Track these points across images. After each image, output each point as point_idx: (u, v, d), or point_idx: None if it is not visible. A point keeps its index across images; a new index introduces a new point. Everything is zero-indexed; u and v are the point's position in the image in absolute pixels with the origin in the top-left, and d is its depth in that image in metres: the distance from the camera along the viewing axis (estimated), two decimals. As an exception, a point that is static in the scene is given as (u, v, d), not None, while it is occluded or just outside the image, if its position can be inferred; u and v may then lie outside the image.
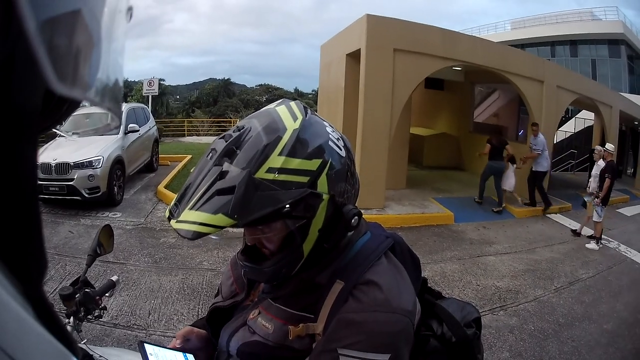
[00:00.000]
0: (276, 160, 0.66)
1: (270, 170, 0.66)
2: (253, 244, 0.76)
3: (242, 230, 0.78)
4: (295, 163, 0.67)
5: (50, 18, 0.22)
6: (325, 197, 0.70)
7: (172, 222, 0.67)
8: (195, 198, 0.66)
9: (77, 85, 0.25)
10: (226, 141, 0.69)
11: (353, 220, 0.74)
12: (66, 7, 0.23)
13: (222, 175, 0.66)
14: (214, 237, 0.71)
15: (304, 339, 0.73)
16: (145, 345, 0.87)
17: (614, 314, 4.16)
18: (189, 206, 0.66)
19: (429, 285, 0.97)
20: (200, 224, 0.64)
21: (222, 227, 0.64)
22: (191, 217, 0.65)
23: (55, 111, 0.29)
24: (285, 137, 0.68)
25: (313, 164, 0.69)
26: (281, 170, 0.66)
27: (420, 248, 5.46)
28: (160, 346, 0.89)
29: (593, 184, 6.57)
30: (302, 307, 0.75)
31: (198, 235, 0.64)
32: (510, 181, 7.63)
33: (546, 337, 3.59)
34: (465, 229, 6.53)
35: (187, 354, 0.89)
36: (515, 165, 7.62)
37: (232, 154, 0.67)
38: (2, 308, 0.24)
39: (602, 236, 6.49)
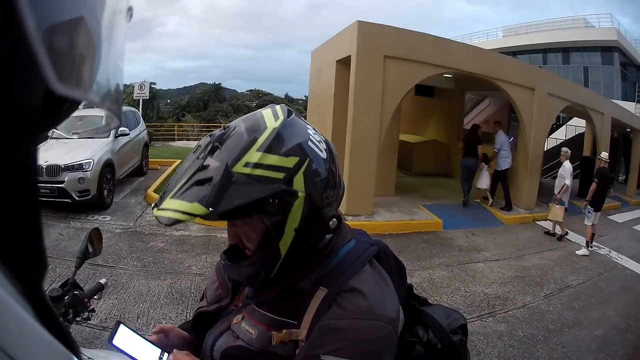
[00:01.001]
0: (254, 155, 0.68)
1: (247, 164, 0.68)
2: (235, 243, 0.78)
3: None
4: (272, 159, 0.69)
5: (52, 25, 0.22)
6: (301, 194, 0.71)
7: (155, 210, 0.69)
8: (177, 188, 0.69)
9: (77, 85, 0.25)
10: (211, 138, 0.72)
11: (331, 223, 0.75)
12: (69, 14, 0.24)
13: (203, 168, 0.68)
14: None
15: (287, 345, 0.74)
16: (121, 326, 0.87)
17: (605, 320, 4.17)
18: (170, 195, 0.69)
19: (416, 292, 0.97)
20: (177, 211, 0.66)
21: (196, 216, 0.66)
22: (171, 205, 0.67)
23: (55, 111, 0.29)
24: (265, 135, 0.70)
25: (290, 162, 0.70)
26: (257, 165, 0.68)
27: (408, 255, 5.46)
28: (138, 333, 0.88)
29: (557, 183, 6.96)
30: (286, 313, 0.75)
31: (174, 222, 0.66)
32: (483, 180, 8.05)
33: (536, 343, 3.59)
34: (454, 235, 6.53)
35: (162, 351, 0.87)
36: (487, 165, 8.01)
37: (214, 150, 0.70)
38: (2, 308, 0.24)
39: (593, 242, 6.56)
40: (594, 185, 6.57)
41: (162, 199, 0.70)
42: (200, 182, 0.67)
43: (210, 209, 0.65)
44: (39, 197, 0.30)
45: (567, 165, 6.92)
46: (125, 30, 0.32)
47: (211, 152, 0.70)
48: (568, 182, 6.79)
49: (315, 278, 0.76)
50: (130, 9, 0.33)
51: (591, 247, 6.51)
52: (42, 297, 0.30)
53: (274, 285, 0.79)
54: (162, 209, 0.68)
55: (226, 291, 0.90)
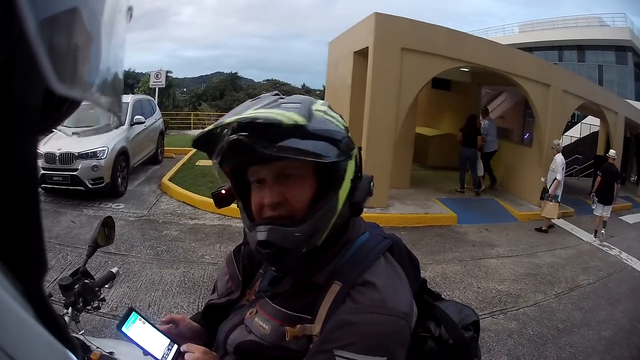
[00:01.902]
0: (321, 106, 0.74)
1: (318, 110, 0.72)
2: (277, 202, 0.72)
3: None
4: (334, 114, 0.75)
5: (49, 17, 0.22)
6: (356, 147, 0.76)
7: (232, 118, 0.67)
8: (258, 105, 0.69)
9: (77, 85, 0.25)
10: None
11: (371, 184, 0.80)
12: (64, 5, 0.23)
13: (282, 99, 0.73)
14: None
15: (300, 340, 0.73)
16: (133, 313, 0.86)
17: (613, 321, 4.16)
18: (252, 109, 0.68)
19: (429, 286, 0.97)
20: (274, 114, 0.65)
21: (295, 122, 0.65)
22: (258, 111, 0.67)
23: (55, 111, 0.29)
24: (320, 100, 0.78)
25: (343, 122, 0.77)
26: (326, 113, 0.73)
27: (422, 248, 5.46)
28: (149, 321, 0.86)
29: (548, 177, 6.99)
30: (300, 307, 0.74)
31: (272, 119, 0.64)
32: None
33: (544, 343, 3.60)
34: (467, 230, 6.53)
35: (171, 341, 0.85)
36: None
37: (279, 96, 0.74)
38: (2, 308, 0.24)
39: (604, 242, 6.62)
40: (599, 179, 7.10)
41: (234, 114, 0.68)
42: (286, 104, 0.69)
43: (308, 121, 0.66)
44: (39, 197, 0.30)
45: (558, 159, 6.89)
46: (125, 30, 0.32)
47: (278, 96, 0.75)
48: (559, 176, 6.79)
49: (330, 271, 0.75)
50: (130, 9, 0.32)
51: (600, 236, 6.89)
52: (42, 297, 0.30)
53: (288, 279, 0.79)
54: (247, 115, 0.66)
55: (237, 284, 0.89)
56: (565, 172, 11.96)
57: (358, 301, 0.70)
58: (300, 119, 0.65)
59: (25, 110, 0.25)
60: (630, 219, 9.59)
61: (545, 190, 6.97)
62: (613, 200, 7.13)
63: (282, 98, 0.73)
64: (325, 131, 0.68)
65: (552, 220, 7.08)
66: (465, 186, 8.34)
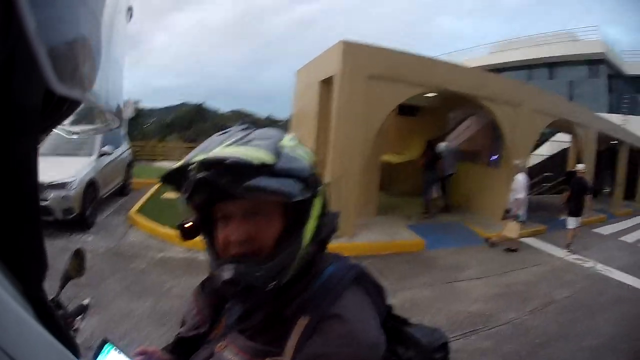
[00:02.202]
0: (289, 142, 0.75)
1: (286, 146, 0.73)
2: (244, 239, 0.73)
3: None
4: (302, 149, 0.77)
5: (49, 17, 0.22)
6: (324, 184, 0.78)
7: (200, 156, 0.68)
8: (228, 142, 0.70)
9: (76, 85, 0.26)
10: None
11: (337, 220, 0.82)
12: (64, 5, 0.24)
13: (251, 135, 0.73)
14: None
15: None
16: (108, 343, 0.84)
17: (593, 331, 4.17)
18: (222, 146, 0.69)
19: (397, 312, 0.97)
20: (242, 152, 0.66)
21: (263, 161, 0.66)
22: (232, 149, 0.68)
23: (55, 111, 0.30)
24: (289, 135, 0.79)
25: (312, 156, 0.78)
26: (294, 149, 0.74)
27: (390, 275, 5.41)
28: (123, 353, 0.85)
29: (510, 198, 7.07)
30: (269, 340, 0.74)
31: (242, 159, 0.65)
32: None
33: (522, 358, 3.58)
34: (436, 255, 6.53)
35: None
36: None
37: (248, 130, 0.75)
38: (2, 308, 0.25)
39: (576, 255, 6.87)
40: (567, 193, 7.60)
41: (202, 152, 0.69)
42: (255, 141, 0.70)
43: (277, 159, 0.68)
44: (39, 197, 0.30)
45: (519, 178, 6.98)
46: (125, 30, 0.32)
47: (246, 130, 0.75)
48: (521, 195, 6.87)
49: (298, 305, 0.75)
50: (130, 9, 0.33)
51: (570, 250, 7.18)
52: (42, 297, 0.30)
53: (257, 313, 0.78)
54: (215, 153, 0.67)
55: (205, 318, 0.88)
56: (536, 191, 12.19)
57: (327, 335, 0.70)
58: (268, 158, 0.67)
59: (25, 110, 0.25)
60: (604, 230, 9.78)
61: (507, 211, 7.06)
62: (582, 213, 7.31)
63: (251, 132, 0.74)
64: (292, 170, 0.69)
65: (519, 239, 7.17)
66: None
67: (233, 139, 0.71)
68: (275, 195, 0.68)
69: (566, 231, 7.39)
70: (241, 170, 0.65)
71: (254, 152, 0.67)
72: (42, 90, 0.26)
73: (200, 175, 0.67)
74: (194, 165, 0.69)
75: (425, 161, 8.70)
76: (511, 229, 6.95)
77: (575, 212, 7.25)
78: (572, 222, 7.27)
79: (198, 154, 0.69)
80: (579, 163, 8.65)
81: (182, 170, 0.72)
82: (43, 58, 0.21)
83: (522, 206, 6.91)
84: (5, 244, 0.26)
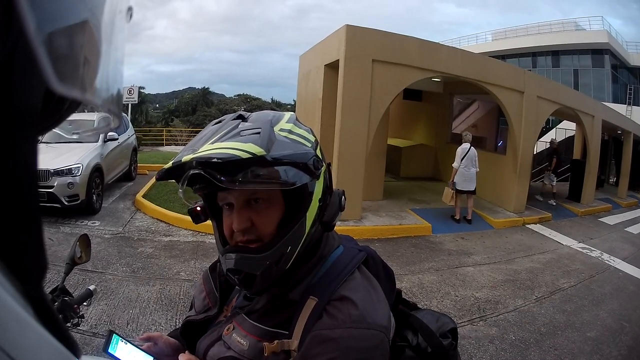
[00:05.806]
0: (285, 125, 0.74)
1: (282, 130, 0.72)
2: (246, 227, 0.73)
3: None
4: (300, 131, 0.75)
5: (49, 17, 0.22)
6: (324, 165, 0.76)
7: (188, 156, 0.67)
8: (217, 136, 0.69)
9: (77, 85, 0.26)
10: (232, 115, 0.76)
11: (342, 199, 0.80)
12: (73, 19, 0.24)
13: (243, 124, 0.72)
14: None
15: (279, 355, 0.72)
16: (114, 335, 0.85)
17: (598, 321, 4.16)
18: (211, 141, 0.68)
19: (405, 297, 0.97)
20: (233, 149, 0.65)
21: (252, 155, 0.64)
22: (220, 146, 0.66)
23: (55, 111, 0.29)
24: (287, 115, 0.78)
25: (312, 137, 0.77)
26: (290, 132, 0.73)
27: (397, 259, 5.44)
28: (130, 342, 0.86)
29: (455, 164, 7.24)
30: (276, 323, 0.74)
31: (228, 157, 0.64)
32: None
33: (528, 347, 3.57)
34: (443, 240, 6.53)
35: (154, 358, 0.86)
36: None
37: (244, 119, 0.74)
38: (2, 308, 0.25)
39: (585, 245, 6.87)
40: (555, 160, 10.07)
41: (186, 152, 0.68)
42: (246, 132, 0.69)
43: (266, 151, 0.66)
44: (39, 197, 0.29)
45: (459, 149, 7.27)
46: (125, 30, 0.32)
47: (241, 119, 0.73)
48: (455, 164, 7.15)
49: (305, 287, 0.75)
50: (130, 9, 0.33)
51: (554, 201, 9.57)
52: (42, 297, 0.30)
53: (264, 295, 0.78)
54: (203, 151, 0.66)
55: (214, 301, 0.88)
56: (541, 178, 12.20)
57: (335, 317, 0.70)
58: (258, 150, 0.65)
59: (25, 110, 0.25)
60: (610, 220, 9.76)
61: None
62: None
63: (244, 121, 0.73)
64: (287, 155, 0.68)
65: (458, 209, 7.42)
66: None
67: (224, 131, 0.70)
68: (271, 185, 0.68)
69: (572, 221, 8.63)
70: (231, 165, 0.65)
71: (243, 146, 0.65)
72: (42, 90, 0.25)
73: (191, 172, 0.67)
74: (185, 163, 0.68)
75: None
76: (445, 195, 7.23)
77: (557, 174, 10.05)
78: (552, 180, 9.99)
79: (185, 154, 0.68)
80: (586, 153, 9.04)
81: (174, 169, 0.71)
82: (43, 58, 0.21)
83: (456, 175, 7.19)
84: (5, 243, 0.26)
